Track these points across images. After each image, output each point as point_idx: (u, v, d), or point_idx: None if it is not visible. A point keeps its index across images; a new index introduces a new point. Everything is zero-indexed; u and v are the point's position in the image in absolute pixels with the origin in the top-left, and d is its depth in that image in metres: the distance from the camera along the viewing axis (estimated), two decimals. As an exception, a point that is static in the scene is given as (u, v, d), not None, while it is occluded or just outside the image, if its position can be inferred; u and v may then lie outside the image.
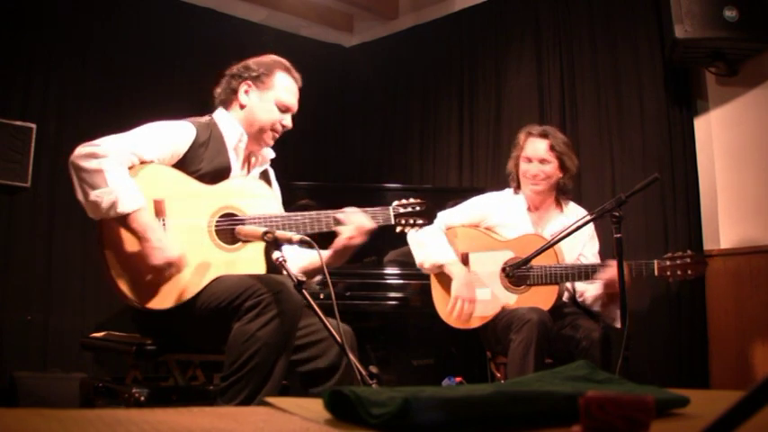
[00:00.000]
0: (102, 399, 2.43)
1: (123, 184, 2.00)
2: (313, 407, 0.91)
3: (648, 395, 0.63)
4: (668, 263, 2.69)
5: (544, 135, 2.98)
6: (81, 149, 2.02)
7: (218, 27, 4.67)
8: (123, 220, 2.01)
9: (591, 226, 3.00)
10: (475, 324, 2.91)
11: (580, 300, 2.99)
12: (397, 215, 2.35)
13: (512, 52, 4.34)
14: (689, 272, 2.67)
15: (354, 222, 2.23)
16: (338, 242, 2.25)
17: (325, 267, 1.91)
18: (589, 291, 2.92)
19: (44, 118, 3.85)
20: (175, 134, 2.18)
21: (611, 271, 2.67)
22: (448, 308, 2.85)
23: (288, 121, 2.34)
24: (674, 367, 3.46)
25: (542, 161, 2.95)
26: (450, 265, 2.89)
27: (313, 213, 2.24)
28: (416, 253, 2.99)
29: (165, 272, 2.03)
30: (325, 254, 2.33)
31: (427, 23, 4.88)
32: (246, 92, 2.30)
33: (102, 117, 3.99)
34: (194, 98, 4.33)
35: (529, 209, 3.03)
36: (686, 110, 3.62)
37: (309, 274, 2.34)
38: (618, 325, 2.79)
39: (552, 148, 2.95)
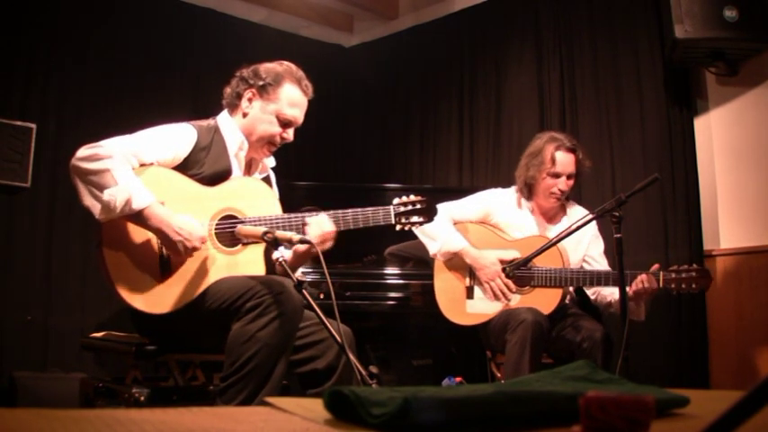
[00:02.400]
0: (102, 399, 2.43)
1: (133, 182, 2.00)
2: (313, 407, 0.91)
3: (648, 395, 0.63)
4: (673, 275, 2.69)
5: (573, 150, 2.92)
6: (82, 151, 1.99)
7: (219, 27, 4.67)
8: (137, 217, 2.00)
9: (594, 226, 3.00)
10: (474, 322, 2.91)
11: (593, 298, 2.98)
12: (398, 214, 2.34)
13: (512, 52, 4.34)
14: (693, 285, 2.68)
15: (315, 231, 2.17)
16: (298, 247, 2.23)
17: (325, 268, 1.91)
18: (605, 290, 2.90)
19: (44, 118, 3.85)
20: (177, 137, 2.17)
21: (644, 284, 2.66)
22: (488, 295, 2.85)
23: (289, 134, 2.30)
24: (674, 367, 3.46)
25: (570, 176, 2.92)
26: (465, 250, 2.88)
27: (300, 215, 2.21)
28: (429, 244, 2.97)
29: (188, 256, 2.06)
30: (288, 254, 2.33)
31: (427, 23, 4.88)
32: (250, 100, 2.28)
33: (103, 117, 4.00)
34: (194, 98, 4.37)
35: (533, 211, 3.02)
36: (686, 110, 3.61)
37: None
38: (641, 317, 2.80)
39: (578, 161, 2.93)
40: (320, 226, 2.19)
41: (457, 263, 2.94)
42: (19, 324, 3.74)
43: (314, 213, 2.23)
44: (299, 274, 2.33)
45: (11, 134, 3.26)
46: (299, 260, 2.32)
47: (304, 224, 2.20)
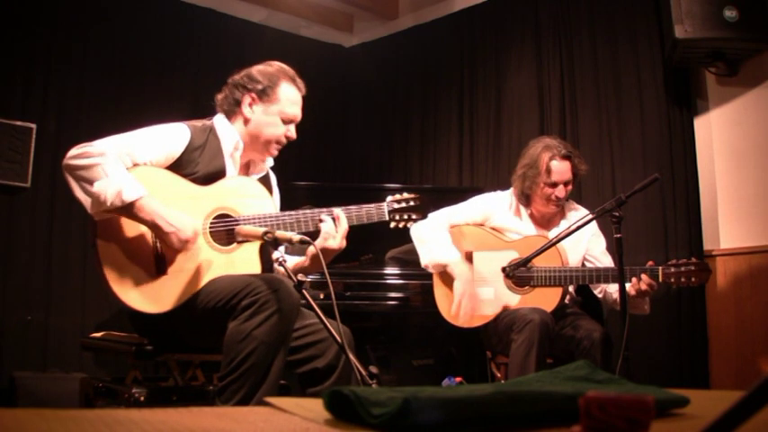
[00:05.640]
0: (102, 399, 2.43)
1: (124, 175, 2.00)
2: (313, 407, 0.91)
3: (648, 395, 0.63)
4: (672, 269, 2.69)
5: (568, 156, 2.91)
6: (74, 150, 2.00)
7: (218, 27, 4.67)
8: (128, 210, 1.99)
9: (594, 224, 3.00)
10: (477, 323, 2.91)
11: (600, 295, 2.98)
12: (392, 211, 2.34)
13: (512, 52, 4.34)
14: (692, 279, 2.68)
15: (328, 228, 2.19)
16: (313, 248, 2.21)
17: (325, 268, 1.91)
18: (611, 287, 2.91)
19: (44, 118, 3.85)
20: (170, 136, 2.17)
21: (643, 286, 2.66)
22: (452, 309, 2.85)
23: (292, 131, 2.32)
24: (674, 367, 3.46)
25: (567, 183, 2.92)
26: (452, 265, 2.88)
27: (300, 213, 2.22)
28: (421, 252, 2.98)
29: (183, 250, 2.05)
30: (302, 259, 2.33)
31: (427, 23, 4.88)
32: (251, 105, 2.28)
33: (102, 117, 4.00)
34: (194, 98, 4.36)
35: (531, 216, 3.02)
36: (686, 110, 3.62)
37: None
38: (646, 311, 2.82)
39: (574, 166, 2.92)
40: (338, 220, 2.20)
41: None
42: (19, 324, 3.74)
43: (324, 210, 2.23)
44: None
45: (11, 134, 3.26)
46: (314, 265, 2.30)
47: (320, 221, 2.20)
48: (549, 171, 2.88)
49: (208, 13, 4.65)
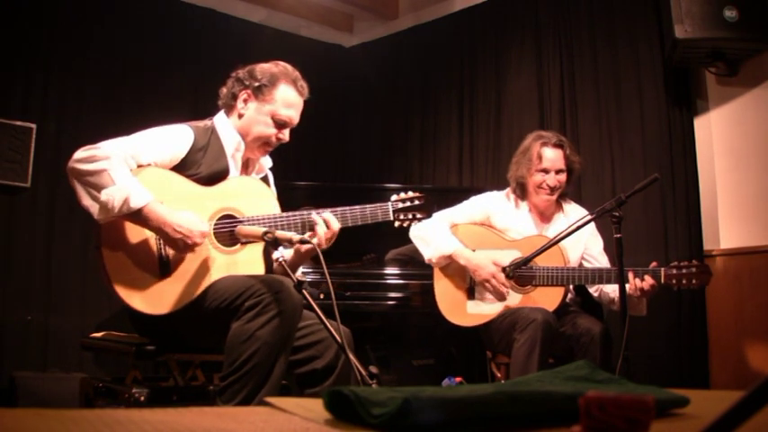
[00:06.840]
0: (102, 399, 2.43)
1: (131, 181, 2.00)
2: (313, 407, 0.91)
3: (648, 395, 0.63)
4: (674, 271, 2.70)
5: (559, 145, 2.96)
6: (79, 153, 1.99)
7: (218, 27, 4.67)
8: (135, 216, 1.99)
9: (592, 223, 3.00)
10: (476, 323, 2.91)
11: (596, 295, 2.99)
12: (396, 210, 2.34)
13: (512, 53, 4.34)
14: (694, 281, 2.69)
15: (323, 229, 2.19)
16: (300, 246, 2.23)
17: (326, 269, 1.90)
18: (607, 286, 2.92)
19: (44, 118, 3.85)
20: (174, 138, 2.17)
21: (642, 284, 2.69)
22: (488, 292, 2.86)
23: (285, 135, 2.30)
24: (674, 367, 3.46)
25: (558, 171, 2.95)
26: (457, 252, 2.89)
27: (304, 213, 2.22)
28: (423, 249, 2.98)
29: (189, 251, 2.06)
30: (289, 253, 2.33)
31: (427, 23, 4.88)
32: (245, 101, 2.28)
33: (103, 117, 4.00)
34: (194, 98, 4.37)
35: (530, 210, 3.04)
36: (686, 110, 3.61)
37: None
38: (644, 312, 2.83)
39: (566, 156, 2.96)
40: (329, 224, 2.20)
41: (456, 265, 2.94)
42: (19, 324, 3.74)
43: (320, 211, 2.23)
44: (299, 273, 2.34)
45: (11, 134, 3.26)
46: (300, 259, 2.32)
47: (313, 222, 2.20)
48: (540, 157, 2.94)
49: (208, 13, 4.65)
